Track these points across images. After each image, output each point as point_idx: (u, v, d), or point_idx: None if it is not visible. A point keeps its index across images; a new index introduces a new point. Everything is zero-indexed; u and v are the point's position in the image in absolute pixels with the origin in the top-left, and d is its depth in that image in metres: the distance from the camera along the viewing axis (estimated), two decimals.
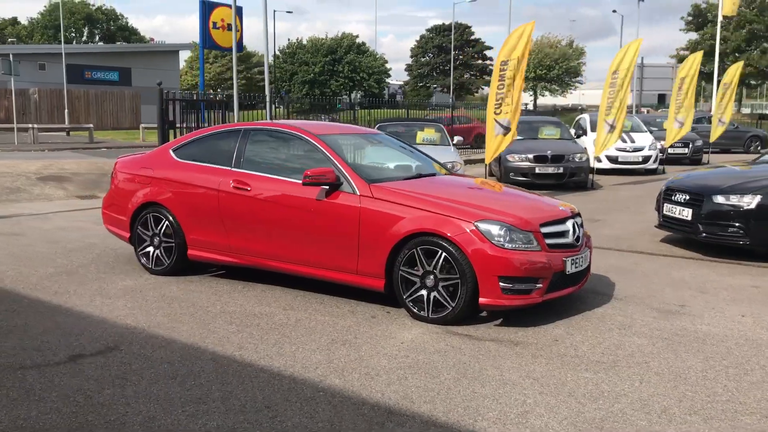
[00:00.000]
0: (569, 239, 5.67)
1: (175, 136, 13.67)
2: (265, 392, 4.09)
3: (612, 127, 15.25)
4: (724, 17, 32.35)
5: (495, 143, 12.91)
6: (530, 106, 67.17)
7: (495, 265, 5.19)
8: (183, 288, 6.47)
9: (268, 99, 16.33)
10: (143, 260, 7.03)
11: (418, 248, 5.44)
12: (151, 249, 6.97)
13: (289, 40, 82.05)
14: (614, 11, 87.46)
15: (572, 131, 18.25)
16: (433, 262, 5.39)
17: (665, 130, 21.51)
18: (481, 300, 5.25)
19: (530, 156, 14.97)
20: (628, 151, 18.39)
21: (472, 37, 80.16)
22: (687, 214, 8.28)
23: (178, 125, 13.48)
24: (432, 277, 5.41)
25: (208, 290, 6.40)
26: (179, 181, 6.76)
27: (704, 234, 8.10)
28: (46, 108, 38.57)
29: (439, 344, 4.97)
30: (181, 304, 5.92)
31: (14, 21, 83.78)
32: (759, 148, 27.45)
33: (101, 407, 3.86)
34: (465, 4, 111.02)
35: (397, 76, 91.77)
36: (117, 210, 7.30)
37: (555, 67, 66.39)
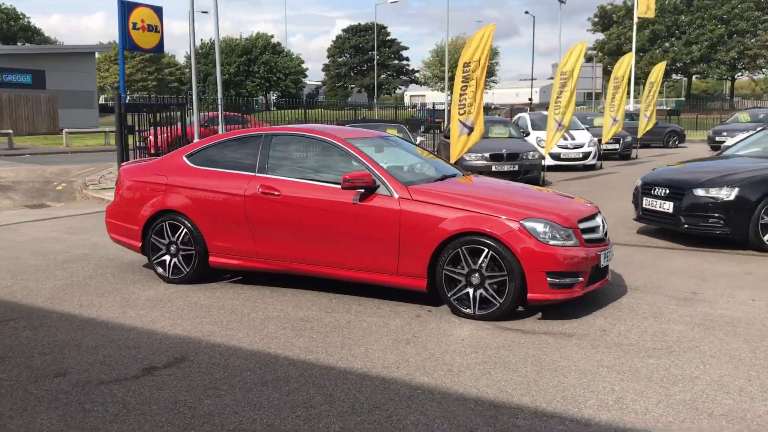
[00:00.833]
0: (600, 234, 5.98)
1: (134, 142, 13.33)
2: (364, 393, 4.17)
3: (560, 126, 15.86)
4: (639, 18, 33.91)
5: (460, 143, 13.22)
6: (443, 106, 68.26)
7: (542, 261, 5.43)
8: (210, 296, 6.41)
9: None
10: (159, 269, 6.90)
11: (463, 247, 5.62)
12: (167, 257, 6.85)
13: (202, 40, 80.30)
14: (526, 12, 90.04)
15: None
16: (479, 261, 5.57)
17: (596, 127, 22.52)
18: (530, 295, 5.48)
19: (486, 155, 15.40)
20: (569, 148, 19.14)
21: (389, 38, 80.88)
22: (668, 207, 8.79)
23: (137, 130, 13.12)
24: (477, 275, 5.60)
25: (237, 297, 6.36)
26: (199, 187, 6.68)
27: (686, 225, 8.63)
28: None
29: (498, 339, 5.17)
30: (221, 312, 5.88)
31: None
32: (677, 142, 29.05)
33: (211, 417, 3.85)
34: (379, 5, 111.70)
35: (312, 76, 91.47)
36: (126, 219, 7.13)
37: None
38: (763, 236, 8.30)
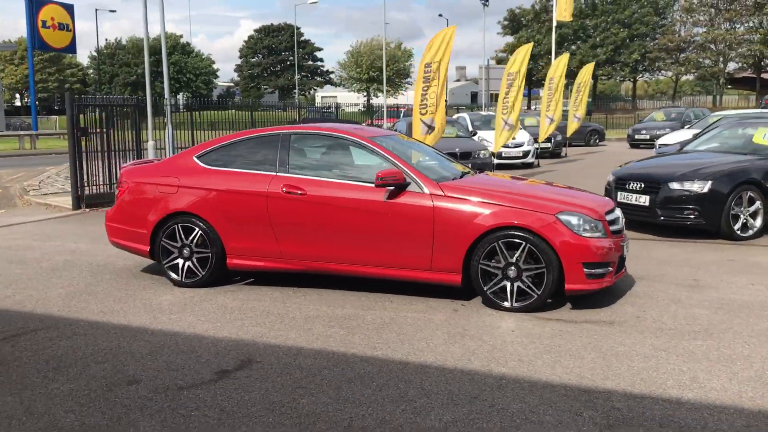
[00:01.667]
0: (620, 225, 6.27)
1: (86, 144, 12.81)
2: (453, 384, 4.25)
3: (509, 125, 16.33)
4: (558, 21, 35.09)
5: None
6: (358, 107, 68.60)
7: (579, 252, 5.65)
8: (233, 298, 6.30)
9: (167, 101, 15.61)
10: (171, 273, 6.72)
11: (500, 242, 5.77)
12: (180, 261, 6.68)
13: (107, 40, 77.54)
14: (440, 15, 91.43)
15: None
16: (516, 254, 5.74)
17: (527, 127, 23.25)
18: (568, 286, 5.69)
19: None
20: (510, 147, 19.67)
21: (303, 39, 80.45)
22: (644, 200, 9.26)
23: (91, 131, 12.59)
24: (514, 268, 5.77)
25: (262, 298, 6.28)
26: (215, 188, 6.55)
27: (662, 218, 9.11)
28: None
29: (545, 329, 5.34)
30: (256, 313, 5.80)
31: None
32: (597, 141, 30.35)
33: (318, 415, 3.83)
34: (285, 6, 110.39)
35: (220, 76, 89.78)
36: (131, 222, 6.89)
37: (386, 69, 68.28)
38: (734, 226, 8.87)
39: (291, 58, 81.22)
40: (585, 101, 23.52)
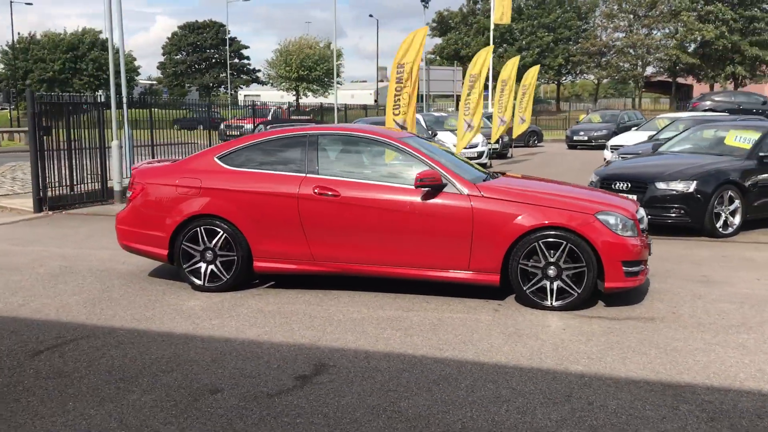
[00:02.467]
0: (645, 224, 6.47)
1: (49, 143, 12.24)
2: (539, 384, 4.30)
3: (471, 127, 16.56)
4: (496, 24, 35.79)
5: None
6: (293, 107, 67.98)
7: (618, 251, 5.81)
8: (266, 302, 6.17)
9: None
10: (193, 278, 6.52)
11: (540, 241, 5.87)
12: (203, 265, 6.49)
13: (20, 34, 74.16)
14: (371, 15, 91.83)
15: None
16: (557, 254, 5.85)
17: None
18: (608, 284, 5.84)
19: None
20: (467, 148, 19.93)
21: (229, 36, 79.06)
22: None
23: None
24: (554, 267, 5.88)
25: (296, 302, 6.18)
26: (242, 190, 6.39)
27: (649, 216, 9.41)
28: None
29: (593, 327, 5.47)
30: (301, 317, 5.70)
31: None
32: (536, 142, 31.12)
33: (424, 417, 3.82)
34: (204, 3, 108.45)
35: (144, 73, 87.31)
36: (147, 225, 6.65)
37: (316, 68, 68.04)
38: (716, 224, 9.30)
39: (217, 55, 79.77)
40: (531, 103, 24.08)
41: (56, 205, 12.21)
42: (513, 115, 23.11)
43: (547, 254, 5.87)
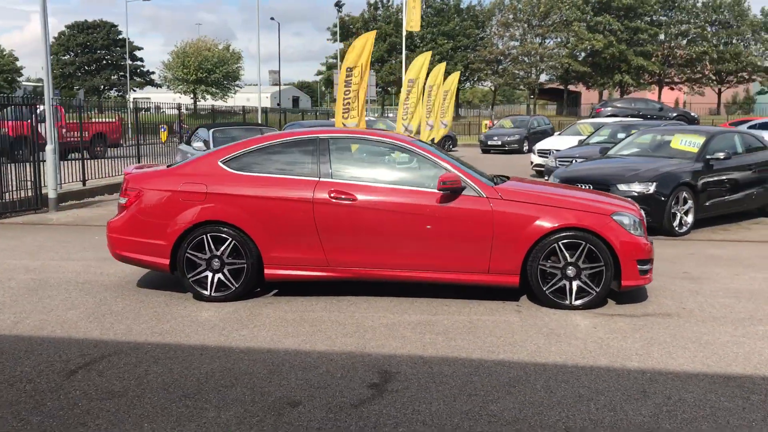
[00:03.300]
0: (645, 224, 6.73)
1: None
2: (609, 382, 4.39)
3: (408, 131, 16.68)
4: (407, 30, 36.19)
5: None
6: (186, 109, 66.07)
7: (633, 250, 6.02)
8: (285, 309, 5.98)
9: (47, 98, 14.12)
10: (198, 288, 6.22)
11: (560, 242, 5.99)
12: (209, 274, 6.21)
13: None
14: (272, 18, 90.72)
15: None
16: (576, 254, 5.99)
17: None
18: (624, 282, 6.02)
19: None
20: None
21: (120, 37, 76.07)
22: None
23: None
24: (572, 267, 6.01)
25: (315, 308, 6.02)
26: (251, 195, 6.17)
27: None
28: None
29: (620, 324, 5.63)
30: (333, 325, 5.56)
31: None
32: (451, 146, 31.72)
33: (525, 420, 3.82)
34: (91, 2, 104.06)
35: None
36: (146, 234, 6.29)
37: (215, 71, 66.59)
38: (673, 223, 9.80)
39: (108, 56, 76.63)
40: (452, 108, 24.52)
41: None
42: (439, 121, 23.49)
43: (566, 255, 6.00)
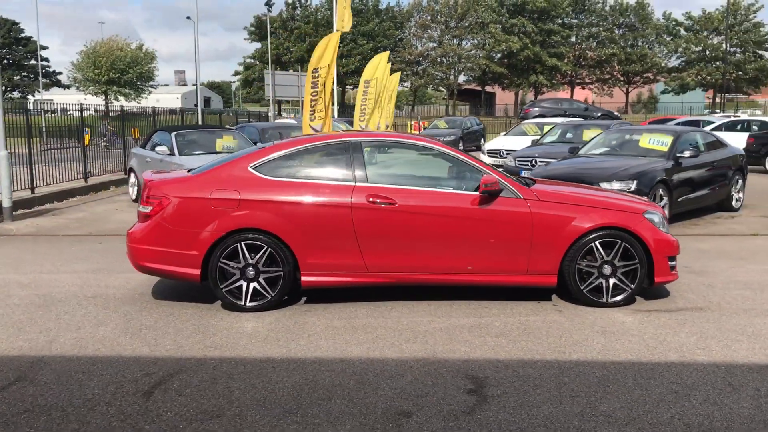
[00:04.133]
0: None
1: None
2: (695, 377, 4.52)
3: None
4: (339, 30, 36.00)
5: None
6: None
7: (665, 247, 6.21)
8: (326, 317, 5.84)
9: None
10: (231, 297, 6.01)
11: (597, 242, 6.12)
12: (243, 283, 6.00)
13: None
14: (188, 18, 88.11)
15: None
16: (612, 252, 6.13)
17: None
18: (657, 279, 6.21)
19: None
20: None
21: (23, 35, 72.48)
22: None
23: None
24: (608, 265, 6.15)
25: (358, 314, 5.92)
26: (288, 201, 6.00)
27: None
28: None
29: (662, 320, 5.81)
30: (383, 331, 5.48)
31: None
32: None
33: (637, 419, 3.89)
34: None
35: None
36: (174, 244, 6.02)
37: (129, 71, 64.37)
38: None
39: (10, 56, 72.80)
40: (392, 109, 24.59)
41: None
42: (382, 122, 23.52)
43: (603, 253, 6.13)
